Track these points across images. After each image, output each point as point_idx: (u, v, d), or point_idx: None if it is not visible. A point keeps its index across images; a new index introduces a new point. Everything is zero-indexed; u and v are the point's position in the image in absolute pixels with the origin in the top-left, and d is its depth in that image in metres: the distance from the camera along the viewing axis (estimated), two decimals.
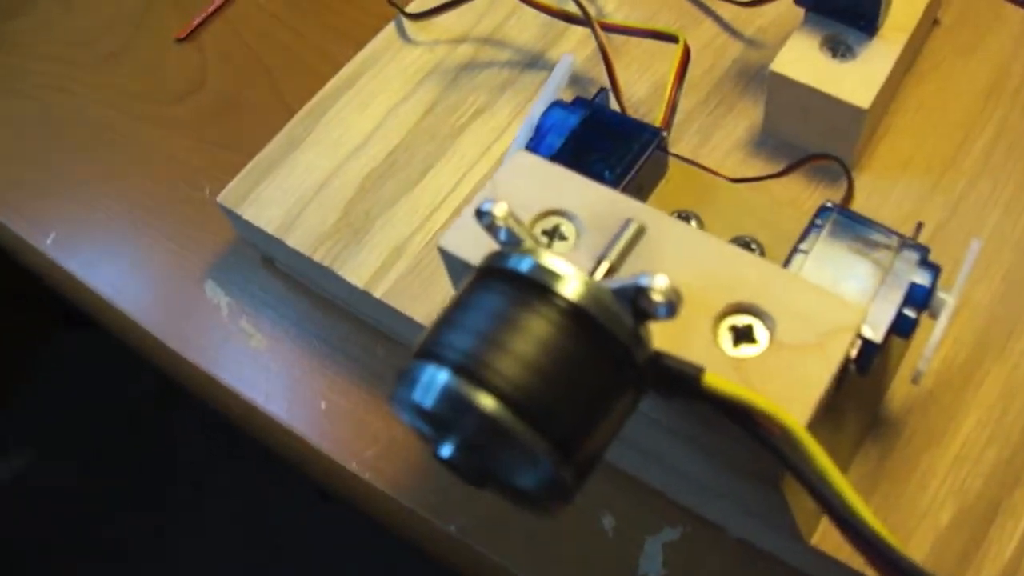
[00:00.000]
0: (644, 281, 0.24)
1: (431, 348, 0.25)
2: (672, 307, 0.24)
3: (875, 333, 0.31)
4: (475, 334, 0.24)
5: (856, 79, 0.41)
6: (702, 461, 0.33)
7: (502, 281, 0.25)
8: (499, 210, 0.26)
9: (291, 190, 0.45)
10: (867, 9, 0.41)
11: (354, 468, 0.42)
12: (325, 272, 0.43)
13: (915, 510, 0.36)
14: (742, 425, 0.26)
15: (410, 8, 0.50)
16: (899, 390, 0.38)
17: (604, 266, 0.27)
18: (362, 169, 0.45)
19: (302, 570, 1.12)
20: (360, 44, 0.50)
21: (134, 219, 0.52)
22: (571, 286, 0.24)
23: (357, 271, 0.42)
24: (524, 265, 0.25)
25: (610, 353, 0.25)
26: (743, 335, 0.29)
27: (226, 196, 0.45)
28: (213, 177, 0.47)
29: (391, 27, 0.51)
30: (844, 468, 0.36)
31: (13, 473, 1.20)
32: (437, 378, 0.24)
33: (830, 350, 0.28)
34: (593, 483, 0.39)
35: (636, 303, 0.24)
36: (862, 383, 0.35)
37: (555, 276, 0.25)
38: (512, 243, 0.27)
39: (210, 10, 0.59)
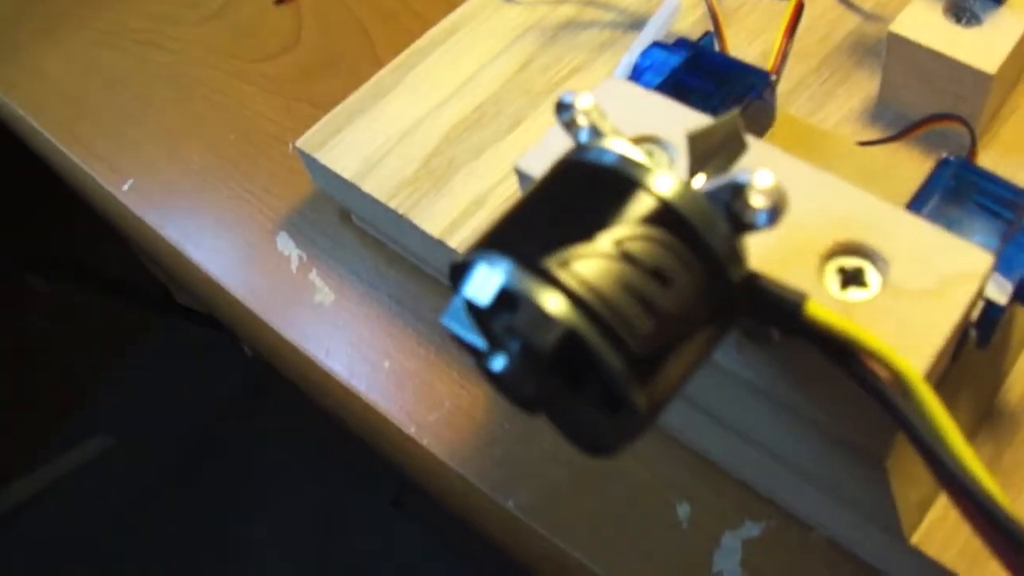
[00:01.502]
0: (743, 178, 0.21)
1: (494, 239, 0.22)
2: (775, 213, 0.21)
3: (999, 295, 0.27)
4: (548, 229, 0.21)
5: (981, 44, 0.38)
6: (795, 433, 0.29)
7: (582, 174, 0.22)
8: (582, 101, 0.23)
9: (373, 138, 0.43)
10: None
11: (413, 432, 0.40)
12: (400, 221, 0.40)
13: None
14: (847, 369, 0.23)
15: None
16: (1021, 379, 0.34)
17: (697, 180, 0.24)
18: (449, 120, 0.43)
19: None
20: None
21: (214, 171, 0.50)
22: (663, 181, 0.21)
23: (433, 220, 0.40)
24: (607, 157, 0.22)
25: (702, 265, 0.21)
26: (852, 278, 0.25)
27: (305, 141, 0.44)
28: (299, 134, 0.45)
29: None
30: None
31: (88, 459, 1.21)
32: (497, 270, 0.21)
33: (952, 297, 0.25)
34: (670, 468, 0.37)
35: (732, 208, 0.21)
36: (979, 362, 0.31)
37: (644, 170, 0.22)
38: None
39: None
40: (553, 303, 0.20)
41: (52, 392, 1.28)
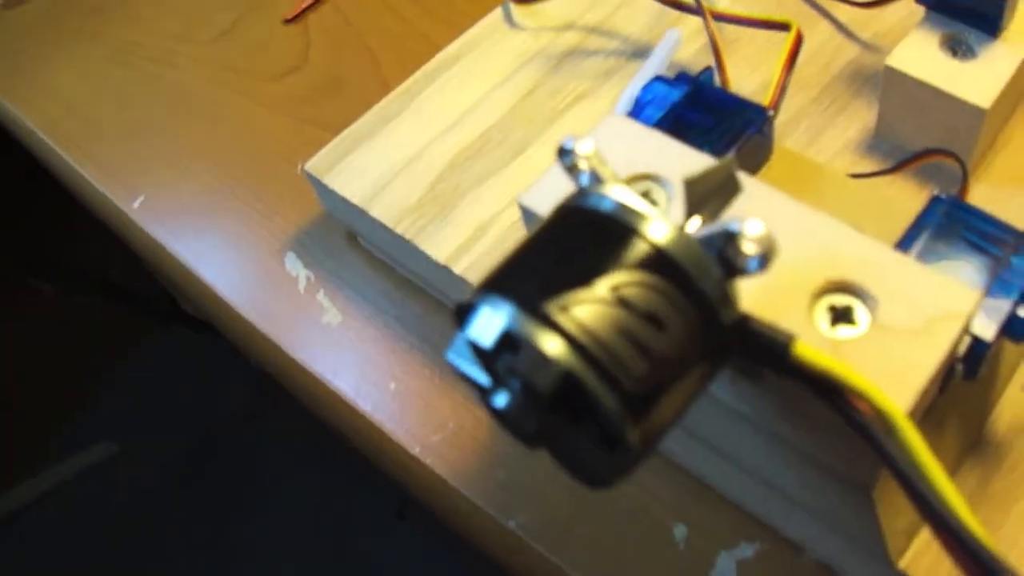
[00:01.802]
0: (735, 227, 0.22)
1: (497, 283, 0.23)
2: (765, 260, 0.22)
3: (985, 331, 0.28)
4: (548, 273, 0.22)
5: (976, 78, 0.38)
6: (786, 461, 0.30)
7: (581, 220, 0.23)
8: (583, 148, 0.24)
9: (380, 162, 0.44)
10: (990, 9, 0.38)
11: (417, 452, 0.41)
12: (406, 246, 0.41)
13: (1015, 545, 0.33)
14: (833, 406, 0.24)
15: None
16: (1008, 408, 0.35)
17: (692, 223, 0.25)
18: (454, 146, 0.44)
19: None
20: None
21: (223, 190, 0.51)
22: (657, 228, 0.22)
23: (439, 246, 0.41)
24: (606, 204, 0.23)
25: (695, 309, 0.22)
26: (841, 316, 0.26)
27: (314, 165, 0.45)
28: (307, 155, 0.46)
29: (497, 11, 0.50)
30: None
31: (92, 463, 1.22)
32: (500, 313, 0.22)
33: (937, 336, 0.26)
34: (668, 491, 0.38)
35: (724, 254, 0.22)
36: (967, 393, 0.32)
37: (640, 217, 0.23)
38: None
39: None
40: (552, 346, 0.21)
41: (54, 394, 1.29)
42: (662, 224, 0.22)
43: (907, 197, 0.40)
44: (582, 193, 0.24)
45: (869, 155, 0.42)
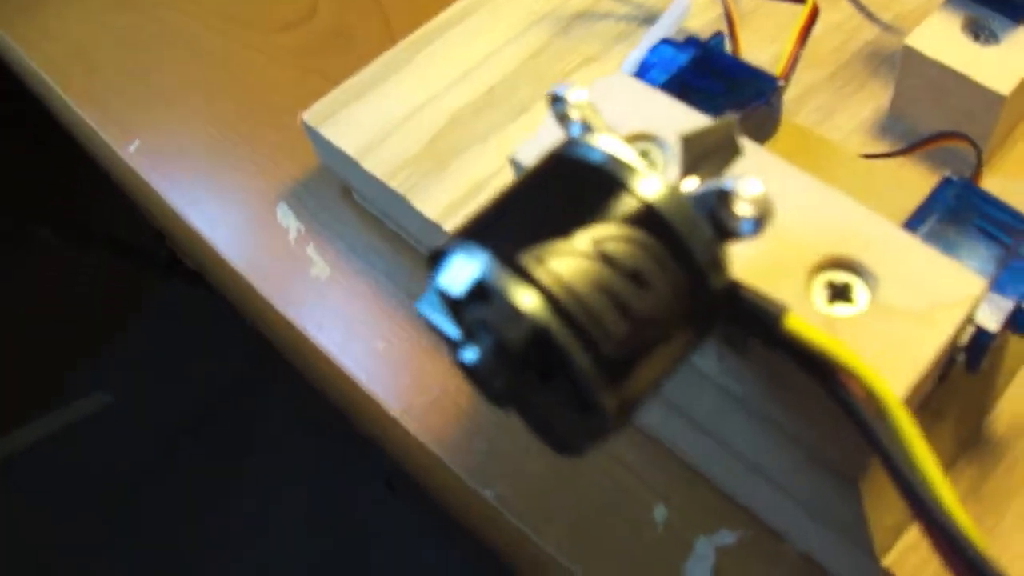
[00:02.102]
0: (729, 185, 0.20)
1: (472, 230, 0.21)
2: (760, 222, 0.21)
3: (990, 321, 0.27)
4: (528, 223, 0.21)
5: (997, 64, 0.37)
6: (774, 444, 0.29)
7: (568, 170, 0.22)
8: (575, 96, 0.23)
9: (379, 115, 0.43)
10: None
11: (398, 415, 0.39)
12: (399, 202, 0.40)
13: (1008, 548, 0.32)
14: (824, 384, 0.23)
15: None
16: (1010, 406, 0.33)
17: (688, 182, 0.24)
18: (457, 102, 0.43)
19: (358, 557, 1.11)
20: None
21: (220, 139, 0.50)
22: (648, 183, 0.21)
23: (432, 202, 0.39)
24: (595, 155, 0.22)
25: (683, 270, 0.21)
26: (840, 293, 0.25)
27: (311, 114, 0.43)
28: (306, 106, 0.45)
29: None
30: None
31: (87, 414, 1.21)
32: (473, 262, 0.21)
33: (940, 321, 0.24)
34: (651, 470, 0.36)
35: (717, 214, 0.21)
36: (967, 387, 0.31)
37: (630, 171, 0.21)
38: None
39: None
40: (526, 299, 0.20)
41: (55, 346, 1.28)
42: (653, 179, 0.21)
43: (919, 180, 0.38)
44: (571, 143, 0.22)
45: (882, 136, 0.40)
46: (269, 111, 0.51)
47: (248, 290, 0.45)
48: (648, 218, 0.21)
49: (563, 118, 0.24)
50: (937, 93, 0.39)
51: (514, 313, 0.20)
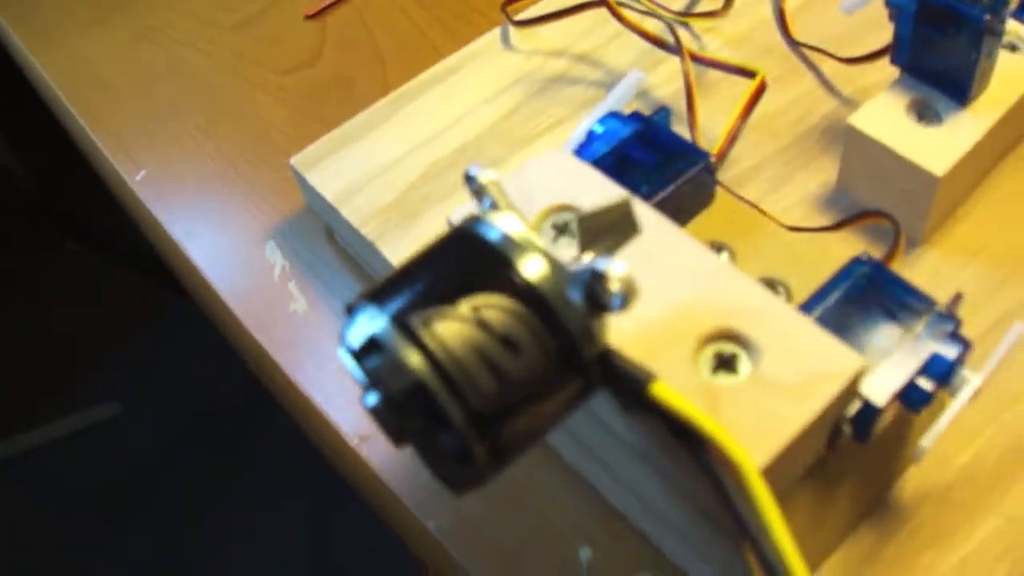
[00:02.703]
0: (601, 265, 0.23)
1: (378, 292, 0.24)
2: (626, 299, 0.23)
3: (878, 395, 0.29)
4: (424, 290, 0.24)
5: (936, 146, 0.39)
6: (670, 495, 0.31)
7: (467, 244, 0.25)
8: (484, 176, 0.26)
9: (359, 165, 0.46)
10: (960, 76, 0.39)
11: (355, 445, 0.42)
12: (369, 247, 0.43)
13: None
14: (689, 449, 0.25)
15: (519, 16, 0.51)
16: (915, 478, 0.35)
17: (586, 257, 0.26)
18: (430, 157, 0.45)
19: (358, 560, 1.12)
20: None
21: (221, 174, 0.53)
22: (531, 264, 0.24)
23: (398, 251, 0.42)
24: (492, 233, 0.24)
25: (555, 340, 0.24)
26: (725, 363, 0.28)
27: (299, 160, 0.46)
28: (301, 148, 0.48)
29: (495, 32, 0.51)
30: (830, 545, 0.34)
31: (95, 422, 1.24)
32: (372, 323, 0.23)
33: (812, 396, 0.27)
34: (579, 511, 0.39)
35: (591, 290, 0.23)
36: (868, 457, 0.33)
37: (518, 249, 0.24)
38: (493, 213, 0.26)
39: None
40: (408, 356, 0.22)
41: (66, 351, 1.32)
42: (536, 259, 0.24)
43: (844, 254, 0.40)
44: (474, 219, 0.25)
45: (826, 209, 0.43)
46: (268, 150, 0.54)
47: (231, 318, 0.47)
48: (526, 292, 0.23)
49: (477, 194, 0.26)
50: (878, 171, 0.41)
51: (398, 367, 0.22)
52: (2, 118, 1.23)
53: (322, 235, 0.49)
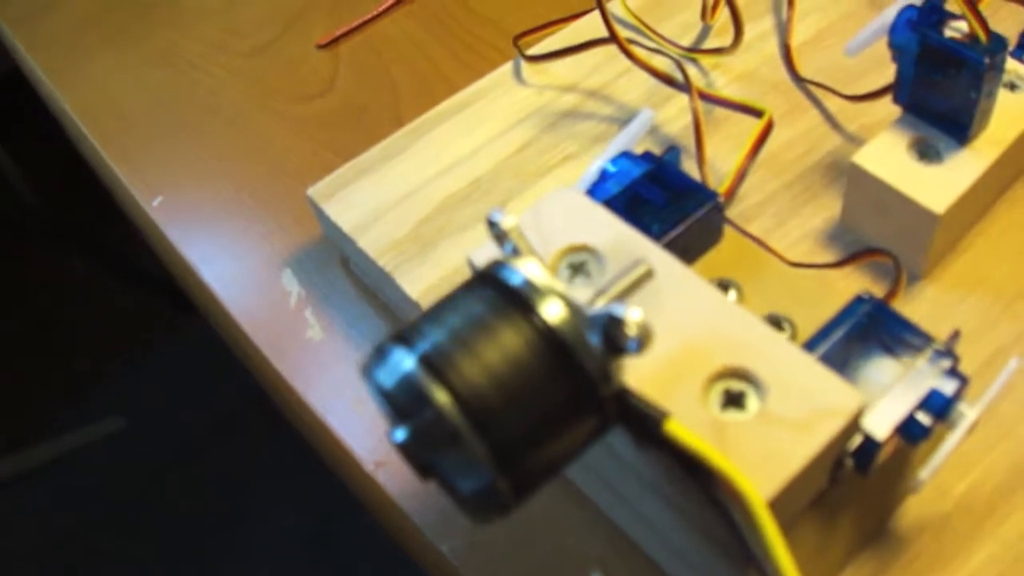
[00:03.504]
0: (618, 311, 0.24)
1: (407, 333, 0.25)
2: (641, 342, 0.24)
3: (878, 430, 0.30)
4: (451, 331, 0.25)
5: (937, 184, 0.40)
6: (681, 525, 0.32)
7: (491, 288, 0.26)
8: (506, 222, 0.27)
9: (376, 196, 0.47)
10: (961, 116, 0.41)
11: (371, 470, 0.43)
12: (386, 278, 0.44)
13: None
14: (700, 483, 0.26)
15: (530, 51, 0.52)
16: (914, 507, 0.37)
17: (601, 300, 0.28)
18: (445, 190, 0.47)
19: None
20: None
21: (236, 201, 0.54)
22: (552, 308, 0.25)
23: (414, 282, 0.43)
24: (515, 278, 0.26)
25: (574, 381, 0.25)
26: (734, 400, 0.29)
27: (316, 191, 0.48)
28: (316, 177, 0.49)
29: (508, 66, 0.53)
30: (832, 573, 0.35)
31: (100, 436, 1.25)
32: (402, 363, 0.25)
33: (816, 431, 0.28)
34: (591, 537, 0.40)
35: (608, 333, 0.25)
36: (869, 488, 0.34)
37: (539, 294, 0.25)
38: (515, 257, 0.27)
39: (355, 24, 0.62)
40: (436, 394, 0.24)
41: (72, 367, 1.33)
42: (556, 305, 0.25)
43: (847, 291, 0.42)
44: (498, 264, 0.26)
45: (830, 245, 0.44)
46: (281, 179, 0.55)
47: (247, 344, 0.49)
48: (548, 335, 0.25)
49: (499, 238, 0.28)
50: (880, 208, 0.42)
51: (427, 405, 0.24)
52: (13, 137, 1.25)
53: (337, 263, 0.50)
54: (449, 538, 0.41)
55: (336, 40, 0.62)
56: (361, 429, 0.44)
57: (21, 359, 1.33)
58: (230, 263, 0.52)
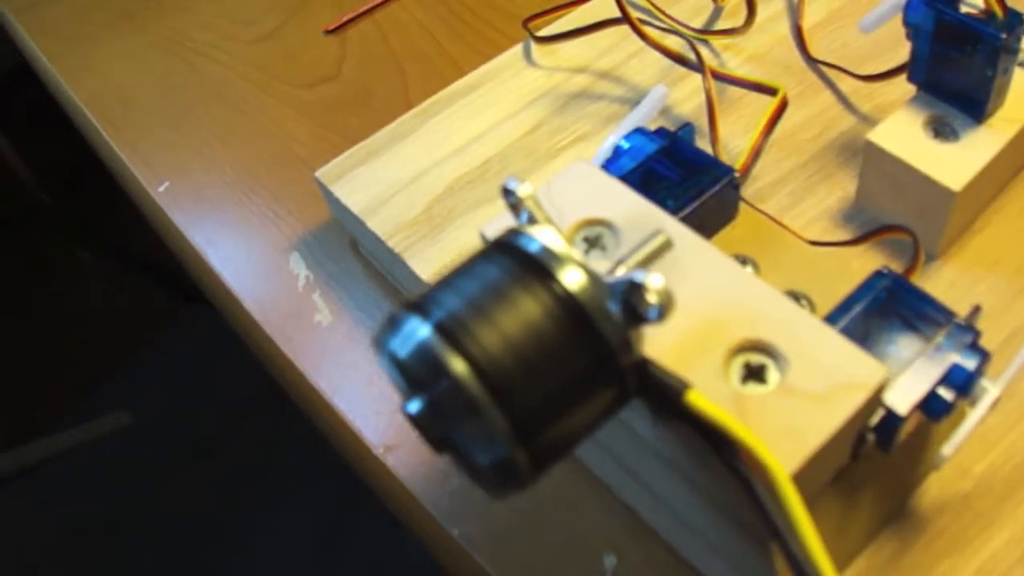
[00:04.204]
0: (639, 277, 0.24)
1: (421, 302, 0.25)
2: (663, 310, 0.24)
3: (900, 405, 0.30)
4: (467, 299, 0.24)
5: (953, 161, 0.40)
6: (699, 503, 0.32)
7: (508, 255, 0.25)
8: (522, 190, 0.26)
9: (385, 178, 0.46)
10: (976, 94, 0.40)
11: (380, 454, 0.43)
12: (396, 260, 0.44)
13: None
14: (721, 455, 0.26)
15: (540, 32, 0.52)
16: (935, 486, 0.36)
17: (620, 270, 0.27)
18: (455, 171, 0.46)
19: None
20: None
21: (243, 186, 0.54)
22: (570, 274, 0.24)
23: (424, 264, 0.43)
24: (532, 245, 0.25)
25: (594, 350, 0.24)
26: (754, 373, 0.28)
27: (324, 173, 0.47)
28: (324, 161, 0.48)
29: (518, 47, 0.52)
30: (853, 551, 0.34)
31: (106, 432, 1.25)
32: (417, 331, 0.24)
33: (838, 404, 0.27)
34: (604, 520, 0.39)
35: (629, 301, 0.24)
36: (890, 465, 0.34)
37: (558, 261, 0.25)
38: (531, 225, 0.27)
39: (361, 9, 0.62)
40: (453, 363, 0.23)
41: (81, 363, 1.33)
42: (575, 271, 0.24)
43: (864, 267, 0.41)
44: (514, 231, 0.26)
45: (845, 224, 0.43)
46: (288, 163, 0.55)
47: (255, 328, 0.48)
48: (568, 303, 0.24)
49: (515, 207, 0.27)
50: (896, 186, 0.42)
51: (443, 375, 0.23)
52: (17, 127, 1.25)
53: (346, 247, 0.50)
54: (460, 522, 0.40)
55: (343, 25, 0.62)
56: (371, 413, 0.44)
57: (27, 353, 1.33)
58: (237, 247, 0.52)
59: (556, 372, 0.24)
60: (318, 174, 0.47)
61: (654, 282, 0.23)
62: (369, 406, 0.44)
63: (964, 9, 0.40)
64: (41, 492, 1.23)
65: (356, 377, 0.45)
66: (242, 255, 0.51)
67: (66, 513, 1.21)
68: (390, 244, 0.44)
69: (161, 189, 0.55)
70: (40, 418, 1.28)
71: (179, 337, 1.35)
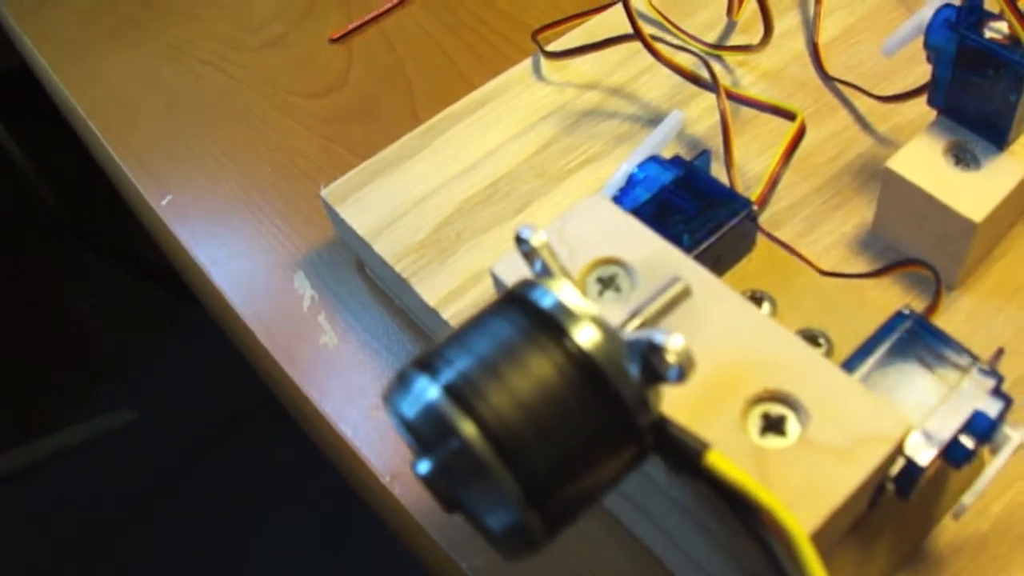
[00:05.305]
0: (658, 338, 0.23)
1: (431, 360, 0.24)
2: (683, 371, 0.23)
3: (922, 456, 0.29)
4: (477, 358, 0.24)
5: (974, 191, 0.39)
6: (712, 551, 0.31)
7: (520, 310, 0.24)
8: (536, 239, 0.26)
9: (392, 198, 0.45)
10: (999, 120, 0.39)
11: (387, 481, 0.42)
12: (403, 284, 0.43)
13: None
14: (741, 516, 0.25)
15: (550, 47, 0.51)
16: (950, 527, 0.35)
17: (636, 321, 0.26)
18: (463, 192, 0.45)
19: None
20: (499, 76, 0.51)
21: (247, 201, 0.53)
22: (585, 332, 0.24)
23: (433, 289, 0.42)
24: (546, 300, 0.24)
25: (610, 410, 0.24)
26: (773, 425, 0.27)
27: (330, 192, 0.46)
28: (331, 176, 0.48)
29: (527, 62, 0.51)
30: None
31: (111, 429, 1.25)
32: (426, 392, 0.23)
33: (861, 459, 0.27)
34: (618, 558, 0.39)
35: (648, 361, 0.23)
36: (905, 509, 0.33)
37: (572, 318, 0.24)
38: (545, 276, 0.26)
39: (367, 17, 0.61)
40: (463, 426, 0.22)
41: (82, 364, 1.33)
42: (590, 328, 0.23)
43: (889, 301, 0.40)
44: (527, 284, 0.25)
45: (862, 252, 0.42)
46: (293, 177, 0.54)
47: (260, 350, 0.47)
48: (582, 361, 0.23)
49: (528, 255, 0.26)
50: (915, 215, 0.41)
51: (452, 438, 0.22)
52: (25, 130, 1.24)
53: (352, 266, 0.49)
54: (470, 555, 0.39)
55: (349, 34, 0.61)
56: (377, 439, 0.43)
57: (33, 352, 1.32)
58: (241, 264, 0.51)
59: (570, 433, 0.23)
60: (323, 193, 0.46)
61: (675, 343, 0.23)
62: (376, 432, 0.43)
63: (988, 34, 0.39)
64: (42, 492, 1.23)
65: (362, 402, 0.44)
66: (245, 272, 0.50)
67: (67, 513, 1.21)
68: (397, 268, 0.43)
69: (164, 203, 0.54)
70: (41, 418, 1.28)
71: (179, 337, 1.34)
